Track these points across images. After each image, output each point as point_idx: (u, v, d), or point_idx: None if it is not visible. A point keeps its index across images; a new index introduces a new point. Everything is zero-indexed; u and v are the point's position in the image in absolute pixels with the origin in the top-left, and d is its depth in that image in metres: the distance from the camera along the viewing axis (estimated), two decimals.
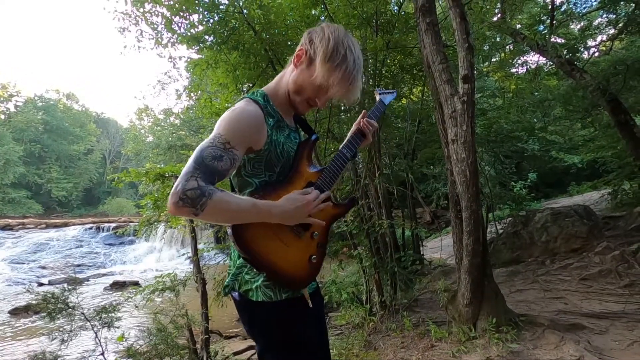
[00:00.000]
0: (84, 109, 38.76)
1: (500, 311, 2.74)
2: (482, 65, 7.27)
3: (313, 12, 4.27)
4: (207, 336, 3.17)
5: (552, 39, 5.91)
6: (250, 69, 4.07)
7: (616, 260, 3.93)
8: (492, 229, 5.88)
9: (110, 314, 2.79)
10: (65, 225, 16.90)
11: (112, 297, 7.87)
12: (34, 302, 3.01)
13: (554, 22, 5.94)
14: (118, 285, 9.14)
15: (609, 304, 3.22)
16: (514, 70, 8.13)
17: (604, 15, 6.57)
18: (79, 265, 12.26)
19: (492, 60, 7.94)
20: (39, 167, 30.88)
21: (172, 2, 3.83)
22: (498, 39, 6.99)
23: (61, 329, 2.61)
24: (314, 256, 1.03)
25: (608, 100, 5.33)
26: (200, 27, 4.06)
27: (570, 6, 6.61)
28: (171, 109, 24.84)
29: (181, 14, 3.89)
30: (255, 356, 3.00)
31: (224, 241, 5.13)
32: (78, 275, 10.76)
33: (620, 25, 6.02)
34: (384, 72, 4.67)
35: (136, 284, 8.53)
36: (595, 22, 6.65)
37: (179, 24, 4.01)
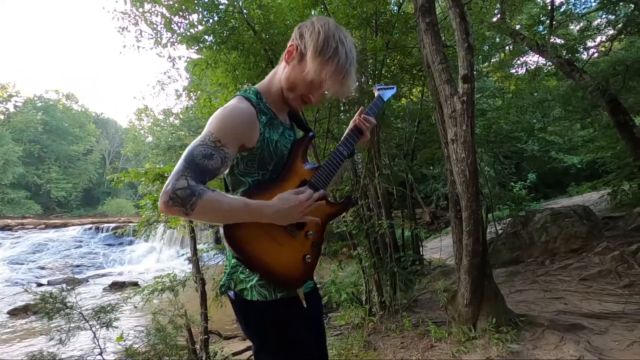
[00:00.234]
0: (84, 109, 38.76)
1: (500, 311, 2.74)
2: (481, 65, 7.27)
3: (313, 12, 4.27)
4: (206, 336, 3.16)
5: (552, 40, 5.92)
6: (249, 69, 4.07)
7: (616, 260, 3.92)
8: (492, 229, 5.88)
9: (108, 314, 2.78)
10: (65, 225, 16.91)
11: (112, 297, 7.85)
12: (32, 302, 3.01)
13: (554, 22, 5.94)
14: (117, 286, 9.12)
15: (609, 304, 3.21)
16: (513, 70, 8.15)
17: (604, 16, 6.57)
18: (78, 266, 12.24)
19: (492, 60, 7.94)
20: (38, 168, 30.84)
21: (171, 2, 3.82)
22: (498, 40, 7.00)
23: (59, 329, 2.60)
24: (308, 256, 1.01)
25: (607, 100, 5.33)
26: (200, 27, 4.06)
27: (570, 7, 6.63)
28: (171, 109, 24.81)
29: (180, 13, 3.89)
30: None
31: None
32: (77, 276, 10.76)
33: (619, 25, 6.02)
34: (383, 72, 4.67)
35: (135, 284, 8.51)
36: (595, 23, 6.64)
37: (179, 24, 4.01)
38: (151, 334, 2.90)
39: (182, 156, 0.88)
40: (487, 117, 6.04)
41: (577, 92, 6.06)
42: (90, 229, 15.58)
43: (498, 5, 6.15)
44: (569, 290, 3.69)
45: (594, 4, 6.75)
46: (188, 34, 4.03)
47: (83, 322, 2.68)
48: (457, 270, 2.98)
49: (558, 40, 6.69)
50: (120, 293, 6.65)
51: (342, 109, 4.74)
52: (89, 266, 12.40)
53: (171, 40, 4.14)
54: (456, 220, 2.95)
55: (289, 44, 1.02)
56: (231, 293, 1.01)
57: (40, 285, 9.67)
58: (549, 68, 6.89)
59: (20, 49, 72.06)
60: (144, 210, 3.93)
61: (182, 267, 9.81)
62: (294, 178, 1.02)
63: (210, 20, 4.02)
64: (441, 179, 7.19)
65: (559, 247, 4.74)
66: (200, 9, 3.91)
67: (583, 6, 6.95)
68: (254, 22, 3.88)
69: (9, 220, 18.05)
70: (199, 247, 3.67)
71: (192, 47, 4.18)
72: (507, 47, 7.14)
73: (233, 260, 1.00)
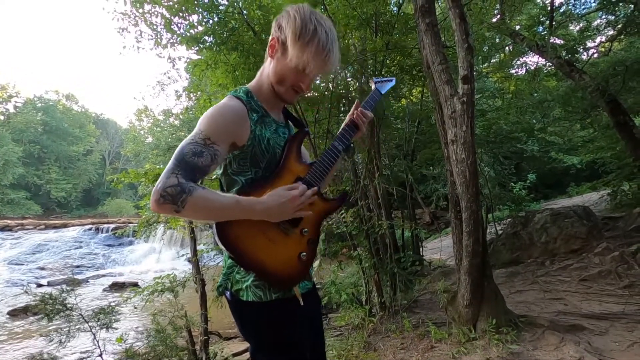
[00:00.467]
0: (84, 109, 38.73)
1: (500, 312, 2.73)
2: (481, 66, 7.27)
3: None
4: (206, 337, 3.15)
5: (552, 40, 5.92)
6: (249, 69, 4.07)
7: (616, 261, 3.92)
8: (492, 229, 5.87)
9: (108, 315, 2.78)
10: (65, 226, 16.92)
11: (111, 298, 7.85)
12: (32, 303, 3.00)
13: (553, 23, 5.95)
14: (117, 287, 9.12)
15: (609, 305, 3.21)
16: (513, 71, 8.14)
17: (603, 17, 6.59)
18: (78, 267, 12.23)
19: (492, 61, 7.94)
20: (38, 168, 30.82)
21: (171, 3, 3.83)
22: (497, 40, 7.00)
23: (59, 330, 2.60)
24: (304, 253, 0.99)
25: (607, 101, 5.33)
26: (200, 28, 4.06)
27: (570, 7, 6.63)
28: (171, 109, 24.78)
29: (180, 14, 3.90)
30: None
31: None
32: (77, 277, 10.75)
33: (619, 26, 6.03)
34: (383, 72, 4.67)
35: (135, 285, 8.49)
36: (595, 23, 6.66)
37: (179, 25, 4.02)
38: (151, 335, 2.90)
39: (173, 155, 0.89)
40: (487, 117, 6.04)
41: (576, 92, 6.06)
42: (90, 229, 15.57)
43: (498, 6, 6.15)
44: (569, 290, 3.69)
45: (593, 5, 6.76)
46: (188, 34, 4.04)
47: (83, 323, 2.68)
48: (457, 270, 2.98)
49: (558, 41, 6.69)
50: (120, 294, 6.64)
51: (342, 109, 4.74)
52: (89, 267, 12.38)
53: (171, 41, 4.14)
54: (456, 220, 2.95)
55: (270, 39, 1.02)
56: (228, 293, 1.00)
57: (40, 286, 9.66)
58: (549, 68, 6.89)
59: (20, 49, 72.18)
60: (144, 211, 3.94)
61: (182, 267, 9.80)
62: (287, 175, 1.01)
63: (210, 21, 4.02)
64: (441, 180, 7.19)
65: (558, 247, 4.74)
66: (200, 10, 3.91)
67: (583, 7, 6.96)
68: (254, 23, 3.88)
69: (9, 221, 18.06)
70: (199, 247, 3.67)
71: (192, 47, 4.19)
72: (506, 48, 7.14)
73: (229, 261, 1.00)
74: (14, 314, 6.86)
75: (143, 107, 28.74)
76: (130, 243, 14.33)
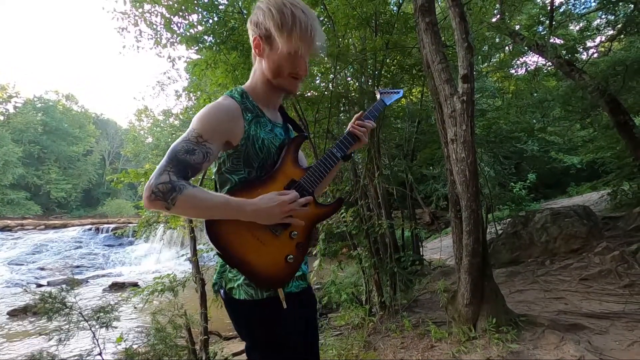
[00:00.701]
0: (83, 110, 38.72)
1: (500, 311, 2.73)
2: (481, 65, 7.28)
3: None
4: (206, 337, 3.15)
5: (551, 40, 5.92)
6: (249, 69, 4.00)
7: (616, 260, 3.92)
8: (492, 229, 5.87)
9: (108, 314, 2.78)
10: (64, 226, 16.91)
11: (111, 298, 7.84)
12: (32, 302, 3.00)
13: (553, 22, 5.95)
14: (117, 286, 9.11)
15: (609, 304, 3.21)
16: (513, 70, 8.14)
17: (603, 16, 6.57)
18: (78, 267, 12.22)
19: (492, 60, 7.95)
20: (38, 168, 30.83)
21: (171, 2, 3.83)
22: (497, 40, 6.99)
23: (59, 329, 2.59)
24: (291, 256, 0.98)
25: (607, 100, 5.33)
26: (200, 27, 4.06)
27: (569, 7, 6.63)
28: (170, 109, 24.76)
29: (180, 14, 3.90)
30: None
31: None
32: (77, 277, 10.72)
33: (619, 26, 6.02)
34: (383, 72, 4.67)
35: (135, 285, 8.50)
36: (595, 23, 6.65)
37: (178, 24, 4.02)
38: (151, 335, 2.90)
39: (166, 153, 0.90)
40: (487, 117, 6.04)
41: (576, 92, 6.05)
42: (90, 229, 15.57)
43: (498, 6, 6.16)
44: (569, 290, 3.69)
45: (593, 4, 6.76)
46: (188, 34, 4.03)
47: (83, 322, 2.68)
48: (457, 270, 2.98)
49: (558, 41, 6.68)
50: (120, 293, 6.64)
51: (342, 109, 4.74)
52: (89, 267, 12.37)
53: (171, 40, 4.14)
54: (456, 220, 2.95)
55: (251, 40, 1.03)
56: (222, 292, 1.01)
57: (40, 286, 9.65)
58: (549, 68, 6.89)
59: (20, 49, 72.18)
60: (144, 211, 3.94)
61: (182, 267, 9.80)
62: (281, 177, 1.01)
63: (210, 21, 4.02)
64: (441, 179, 7.18)
65: (559, 247, 4.74)
66: (200, 9, 3.91)
67: (583, 6, 6.95)
68: None
69: (9, 221, 18.06)
70: (199, 247, 3.66)
71: (192, 47, 4.18)
72: (506, 48, 7.14)
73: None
74: (14, 313, 6.86)
75: (143, 107, 28.71)
76: (130, 243, 14.32)
